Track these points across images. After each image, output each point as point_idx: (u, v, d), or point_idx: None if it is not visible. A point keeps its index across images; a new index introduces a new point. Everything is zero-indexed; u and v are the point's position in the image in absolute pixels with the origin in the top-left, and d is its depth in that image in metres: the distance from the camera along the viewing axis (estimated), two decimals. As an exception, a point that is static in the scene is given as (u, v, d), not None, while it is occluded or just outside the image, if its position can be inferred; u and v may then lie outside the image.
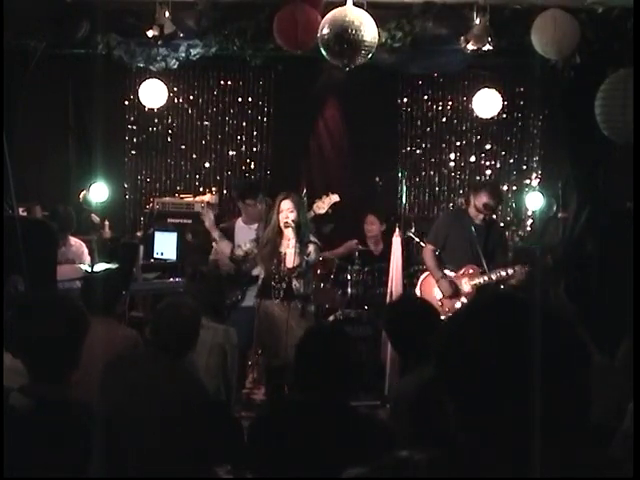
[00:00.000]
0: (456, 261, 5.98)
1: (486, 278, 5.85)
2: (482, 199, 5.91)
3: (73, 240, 6.52)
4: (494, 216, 6.48)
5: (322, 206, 5.69)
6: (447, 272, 6.00)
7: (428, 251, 6.09)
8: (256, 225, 6.05)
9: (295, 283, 5.38)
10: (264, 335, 5.49)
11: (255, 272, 5.86)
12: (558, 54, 6.10)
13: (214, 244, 6.22)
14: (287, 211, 5.34)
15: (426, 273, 6.19)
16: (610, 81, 5.25)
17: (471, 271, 5.93)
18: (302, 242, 5.34)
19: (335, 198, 5.79)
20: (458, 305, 5.81)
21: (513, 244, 6.01)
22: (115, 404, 3.20)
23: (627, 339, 3.74)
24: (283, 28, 6.11)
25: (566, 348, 1.22)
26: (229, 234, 6.22)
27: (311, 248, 5.42)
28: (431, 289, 6.02)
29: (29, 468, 2.24)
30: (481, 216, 5.97)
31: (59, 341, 2.45)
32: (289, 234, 5.33)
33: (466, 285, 5.92)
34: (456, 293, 5.90)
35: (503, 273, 5.81)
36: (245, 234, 6.08)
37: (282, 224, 5.35)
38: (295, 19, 6.00)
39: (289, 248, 5.34)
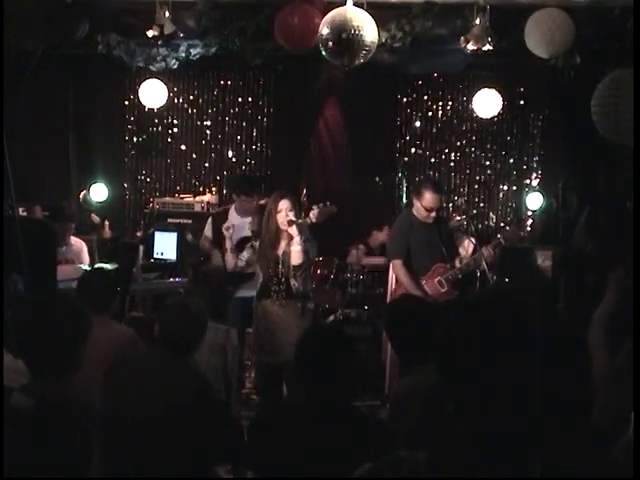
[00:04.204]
0: (422, 265, 5.89)
1: (457, 271, 5.82)
2: (426, 197, 5.79)
3: (73, 239, 6.52)
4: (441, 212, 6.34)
5: (318, 218, 5.38)
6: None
7: (399, 267, 5.91)
8: (249, 218, 5.96)
9: (294, 282, 5.35)
10: (264, 335, 5.46)
11: (250, 270, 5.84)
12: (551, 52, 6.10)
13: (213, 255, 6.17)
14: (286, 210, 5.29)
15: (395, 282, 6.04)
16: (605, 81, 5.26)
17: (441, 270, 5.86)
18: (307, 239, 5.32)
19: (333, 209, 5.48)
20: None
21: (511, 244, 5.94)
22: (122, 403, 3.20)
23: (629, 340, 3.73)
24: (283, 28, 6.12)
25: (566, 347, 1.22)
26: (222, 219, 6.16)
27: (310, 245, 5.38)
28: None
29: (29, 468, 2.24)
30: (431, 215, 5.86)
31: (60, 341, 2.46)
32: (293, 232, 5.26)
33: (440, 285, 5.85)
34: (433, 296, 5.80)
35: (469, 261, 5.81)
36: (236, 221, 6.01)
37: (284, 223, 5.29)
38: (295, 19, 6.01)
39: (294, 246, 5.27)
